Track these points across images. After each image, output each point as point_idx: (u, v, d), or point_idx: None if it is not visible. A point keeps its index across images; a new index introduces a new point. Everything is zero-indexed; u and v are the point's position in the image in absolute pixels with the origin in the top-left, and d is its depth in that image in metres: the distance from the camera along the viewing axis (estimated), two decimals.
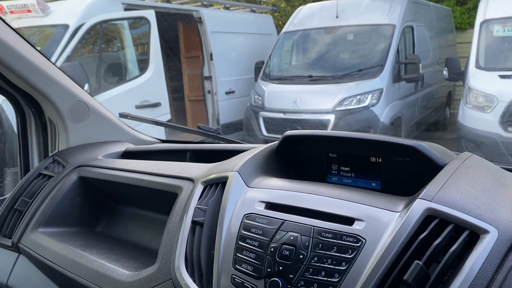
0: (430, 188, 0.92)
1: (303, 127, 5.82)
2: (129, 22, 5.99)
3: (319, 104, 5.89)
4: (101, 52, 5.82)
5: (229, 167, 1.18)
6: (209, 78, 7.09)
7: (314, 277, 0.88)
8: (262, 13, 8.96)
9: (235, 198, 1.07)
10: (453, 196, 0.89)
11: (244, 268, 0.95)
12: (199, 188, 1.19)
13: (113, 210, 1.68)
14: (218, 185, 1.16)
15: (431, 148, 1.06)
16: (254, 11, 8.52)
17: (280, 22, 11.30)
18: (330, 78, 6.21)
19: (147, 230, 1.53)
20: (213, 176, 1.19)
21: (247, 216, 1.02)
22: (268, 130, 6.26)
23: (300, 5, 9.11)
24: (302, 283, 0.88)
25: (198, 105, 7.46)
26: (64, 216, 1.57)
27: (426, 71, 6.88)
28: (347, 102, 5.79)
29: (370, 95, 5.77)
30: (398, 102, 6.18)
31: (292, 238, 0.93)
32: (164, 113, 5.86)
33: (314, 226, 0.93)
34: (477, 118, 5.24)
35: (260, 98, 6.48)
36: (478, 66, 5.46)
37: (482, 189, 0.94)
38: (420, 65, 6.01)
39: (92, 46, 5.84)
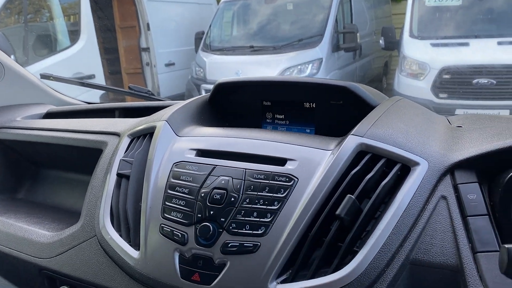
0: (362, 125, 0.90)
1: None
2: None
3: (261, 75, 5.84)
4: (27, 22, 5.38)
5: (157, 118, 1.10)
6: (146, 49, 6.80)
7: (246, 218, 0.84)
8: None
9: (164, 148, 1.01)
10: (385, 132, 0.88)
11: (173, 216, 0.90)
12: (125, 141, 1.12)
13: (36, 174, 1.55)
14: (145, 136, 1.08)
15: (364, 89, 1.05)
16: None
17: None
18: (271, 49, 6.16)
19: (73, 193, 1.43)
20: (140, 127, 1.11)
21: (177, 164, 0.96)
22: None
23: None
24: (234, 225, 0.84)
25: (137, 78, 7.16)
26: None
27: (364, 41, 7.01)
28: (288, 72, 5.78)
29: (310, 65, 5.80)
30: (337, 71, 6.26)
31: (223, 182, 0.88)
32: None
33: (246, 169, 0.89)
34: (411, 86, 5.42)
35: (202, 70, 6.32)
36: (412, 35, 5.62)
37: (413, 125, 0.94)
38: (358, 34, 6.11)
39: (17, 15, 5.39)
